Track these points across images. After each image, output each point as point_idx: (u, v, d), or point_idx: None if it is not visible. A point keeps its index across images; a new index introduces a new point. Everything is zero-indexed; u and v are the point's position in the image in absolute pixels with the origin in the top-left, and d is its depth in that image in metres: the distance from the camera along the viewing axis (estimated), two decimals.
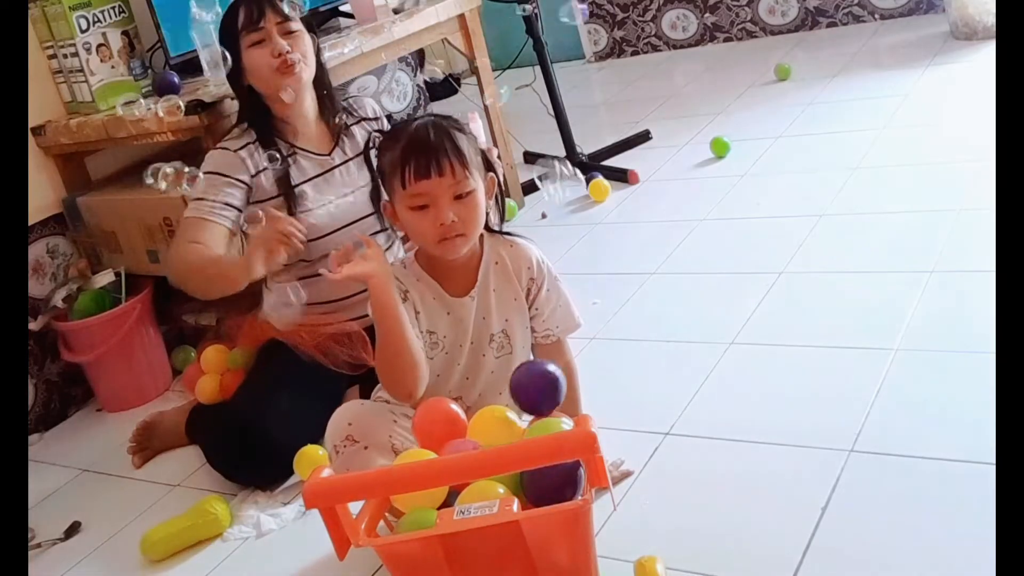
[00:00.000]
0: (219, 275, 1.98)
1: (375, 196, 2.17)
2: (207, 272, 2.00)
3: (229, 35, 2.14)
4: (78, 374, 2.70)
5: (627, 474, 1.78)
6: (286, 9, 2.14)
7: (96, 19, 2.57)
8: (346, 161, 2.21)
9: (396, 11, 3.02)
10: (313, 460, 1.96)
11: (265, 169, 2.13)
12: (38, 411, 2.66)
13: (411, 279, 1.71)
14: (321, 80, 2.24)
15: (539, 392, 1.50)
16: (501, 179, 1.74)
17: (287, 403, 2.07)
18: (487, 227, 1.73)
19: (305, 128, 2.20)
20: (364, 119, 2.29)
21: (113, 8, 2.61)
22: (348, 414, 1.66)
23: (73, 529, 2.13)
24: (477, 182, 1.63)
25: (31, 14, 2.53)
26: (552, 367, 1.52)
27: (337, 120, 2.24)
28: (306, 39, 2.17)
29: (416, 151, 1.60)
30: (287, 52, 2.10)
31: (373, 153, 2.12)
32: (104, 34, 2.59)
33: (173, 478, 2.23)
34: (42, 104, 2.61)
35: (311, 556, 1.81)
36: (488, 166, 1.70)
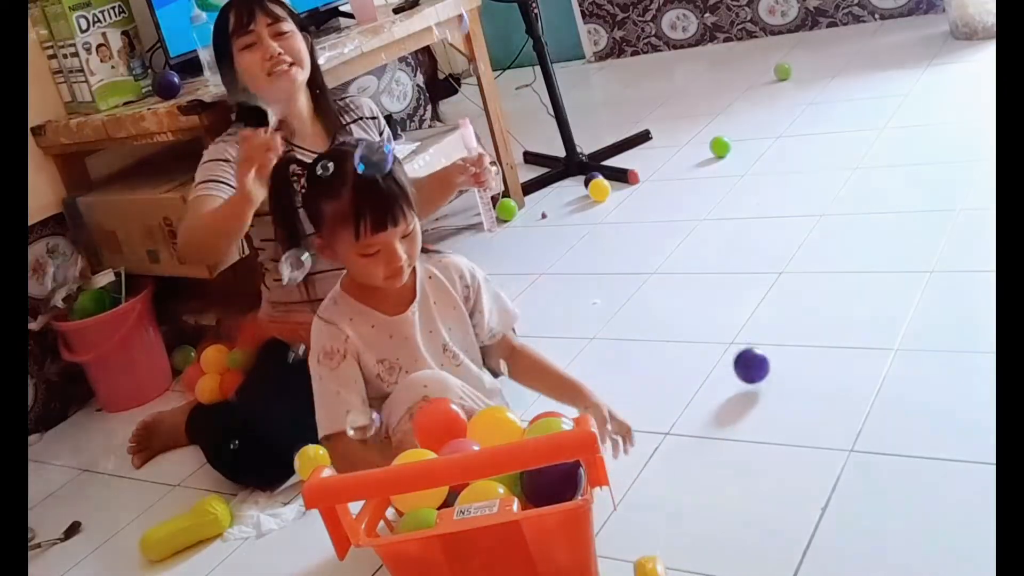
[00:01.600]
0: (224, 218, 1.92)
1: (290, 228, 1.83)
2: (214, 223, 1.95)
3: (221, 38, 2.13)
4: (78, 374, 2.70)
5: (627, 429, 1.71)
6: (276, 10, 2.12)
7: (96, 19, 2.57)
8: None
9: (396, 11, 3.02)
10: (314, 460, 1.96)
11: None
12: (38, 411, 2.66)
13: (345, 319, 1.72)
14: (315, 79, 2.22)
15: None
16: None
17: (287, 403, 2.04)
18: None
19: (301, 127, 2.19)
20: (362, 118, 2.28)
21: (113, 8, 2.61)
22: (423, 378, 1.67)
23: (73, 529, 2.13)
24: (413, 215, 1.66)
25: (31, 14, 2.53)
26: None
27: (335, 119, 2.23)
28: (298, 39, 2.15)
29: (370, 205, 1.59)
30: (278, 54, 2.08)
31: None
32: (104, 34, 2.59)
33: (173, 478, 2.23)
34: (42, 104, 2.61)
35: (311, 556, 1.81)
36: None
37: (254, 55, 2.09)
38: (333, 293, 1.78)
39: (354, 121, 2.26)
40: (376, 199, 1.60)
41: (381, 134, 2.29)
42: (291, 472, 2.03)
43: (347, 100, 2.32)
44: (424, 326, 1.76)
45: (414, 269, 1.75)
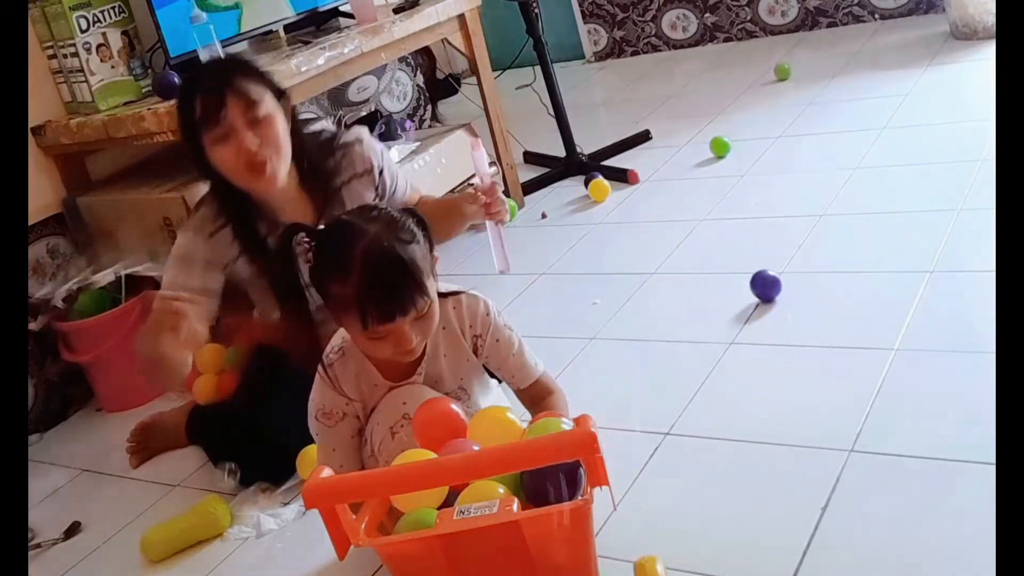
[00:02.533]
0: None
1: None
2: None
3: (188, 124, 1.88)
4: (78, 374, 2.70)
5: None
6: (250, 91, 1.86)
7: (96, 19, 2.57)
8: None
9: (396, 11, 3.02)
10: (315, 462, 1.96)
11: (240, 256, 1.97)
12: (38, 411, 2.66)
13: (350, 376, 1.65)
14: (299, 150, 1.97)
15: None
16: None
17: (285, 401, 2.02)
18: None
19: (286, 204, 1.98)
20: (355, 176, 2.05)
21: (113, 8, 2.61)
22: (401, 396, 1.63)
23: (73, 529, 2.13)
24: (432, 290, 1.54)
25: (31, 14, 2.53)
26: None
27: (324, 188, 2.01)
28: (277, 123, 1.90)
29: (377, 295, 1.47)
30: (255, 151, 1.85)
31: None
32: (104, 34, 2.59)
33: (173, 478, 2.23)
34: (42, 104, 2.61)
35: (311, 556, 1.81)
36: (431, 242, 1.60)
37: (228, 150, 1.86)
38: (343, 340, 1.67)
39: (346, 183, 2.03)
40: (383, 290, 1.47)
41: (378, 187, 2.07)
42: (294, 470, 2.04)
43: (338, 157, 2.05)
44: (430, 380, 1.68)
45: None
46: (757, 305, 2.26)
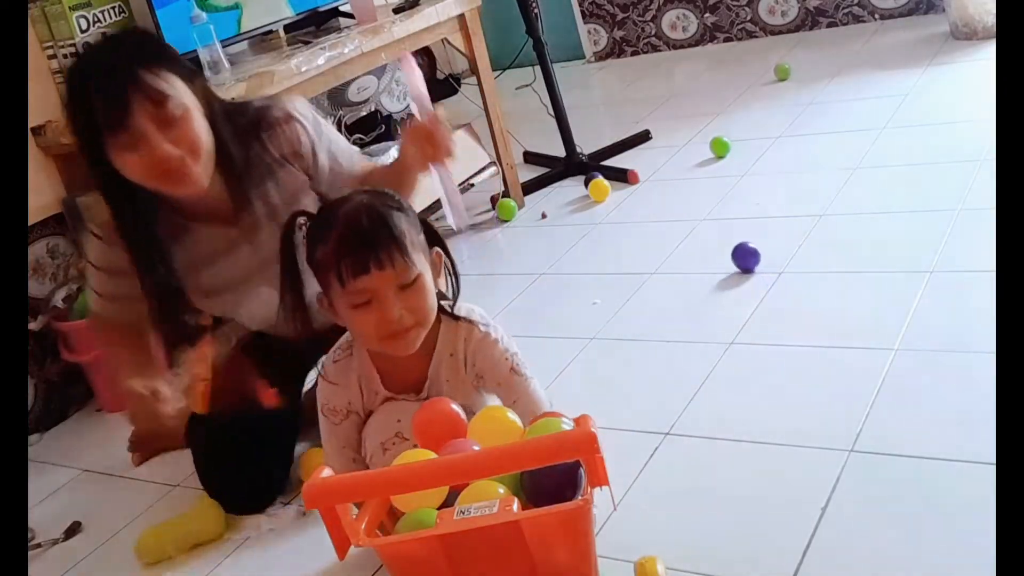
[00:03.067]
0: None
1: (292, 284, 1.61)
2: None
3: (83, 126, 1.60)
4: (78, 374, 2.70)
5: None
6: (158, 83, 1.58)
7: (96, 19, 2.57)
8: (255, 228, 1.83)
9: (396, 11, 3.02)
10: (317, 463, 1.97)
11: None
12: (38, 411, 2.66)
13: (352, 378, 1.64)
14: (221, 142, 1.71)
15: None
16: (448, 255, 1.62)
17: (257, 415, 1.90)
18: (442, 310, 1.60)
19: (200, 200, 1.75)
20: (282, 159, 1.82)
21: (113, 8, 2.61)
22: (396, 412, 1.60)
23: (73, 529, 2.13)
24: (422, 265, 1.50)
25: (31, 14, 2.53)
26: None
27: (244, 181, 1.78)
28: (193, 118, 1.64)
29: (350, 245, 1.45)
30: (172, 156, 1.61)
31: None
32: (104, 34, 2.59)
33: (173, 478, 2.23)
34: (42, 104, 2.60)
35: (311, 556, 1.81)
36: (432, 240, 1.58)
37: (137, 158, 1.61)
38: (349, 340, 1.65)
39: (271, 169, 1.81)
40: (358, 240, 1.45)
41: (311, 169, 1.85)
42: (278, 487, 2.01)
43: (264, 138, 1.80)
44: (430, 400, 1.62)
45: (433, 343, 1.61)
46: (758, 305, 2.26)
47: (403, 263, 1.46)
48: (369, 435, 1.64)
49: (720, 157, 3.29)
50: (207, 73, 2.52)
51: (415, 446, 1.52)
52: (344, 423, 1.67)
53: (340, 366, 1.65)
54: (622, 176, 3.32)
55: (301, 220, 1.57)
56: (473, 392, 1.66)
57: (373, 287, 1.46)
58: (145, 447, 2.34)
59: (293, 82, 2.54)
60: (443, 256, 1.60)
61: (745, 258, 2.43)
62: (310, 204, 1.83)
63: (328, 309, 1.54)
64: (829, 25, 4.57)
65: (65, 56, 2.56)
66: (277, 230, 1.64)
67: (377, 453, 1.61)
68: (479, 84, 3.24)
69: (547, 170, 3.58)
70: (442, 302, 1.60)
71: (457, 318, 1.62)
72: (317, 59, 2.62)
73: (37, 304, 2.64)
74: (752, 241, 2.44)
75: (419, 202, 3.00)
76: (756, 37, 4.76)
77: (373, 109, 3.80)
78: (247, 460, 1.98)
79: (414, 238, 1.51)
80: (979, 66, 3.43)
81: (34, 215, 2.63)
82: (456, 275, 1.63)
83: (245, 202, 1.78)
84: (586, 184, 3.27)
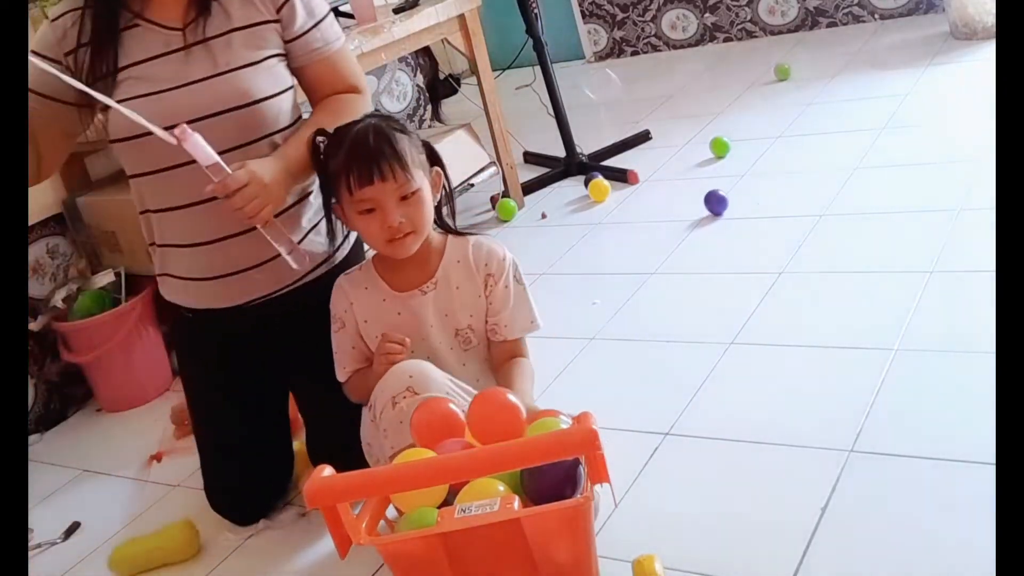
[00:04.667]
0: None
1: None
2: None
3: None
4: (78, 374, 2.70)
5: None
6: None
7: None
8: (202, 41, 1.71)
9: (396, 11, 3.02)
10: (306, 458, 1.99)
11: (84, 46, 1.69)
12: (38, 411, 2.66)
13: (360, 287, 1.78)
14: None
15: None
16: (446, 174, 1.78)
17: (234, 470, 1.93)
18: (451, 230, 1.80)
19: None
20: None
21: None
22: (408, 368, 1.64)
23: (73, 529, 2.13)
24: (421, 180, 1.68)
25: (31, 14, 2.53)
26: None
27: None
28: None
29: (358, 158, 1.64)
30: None
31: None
32: None
33: (173, 478, 2.23)
34: None
35: (311, 556, 1.81)
36: (432, 160, 1.75)
37: None
38: (363, 263, 1.83)
39: None
40: (364, 153, 1.63)
41: (280, 10, 1.78)
42: (265, 502, 1.97)
43: None
44: (439, 308, 1.75)
45: (443, 250, 1.77)
46: (758, 305, 2.26)
47: (403, 176, 1.64)
48: (379, 393, 1.65)
49: (720, 157, 3.29)
50: None
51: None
52: (342, 331, 1.78)
53: (351, 277, 1.80)
54: (622, 176, 3.32)
55: (320, 139, 1.72)
56: (483, 308, 1.77)
57: (376, 196, 1.64)
58: (186, 425, 2.31)
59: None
60: (442, 175, 1.76)
61: (715, 203, 2.78)
62: (279, 73, 1.77)
63: (341, 215, 1.73)
64: (829, 25, 4.57)
65: None
66: (216, 60, 1.70)
67: (387, 408, 1.62)
68: (479, 84, 3.24)
69: (547, 170, 3.58)
70: (447, 220, 1.80)
71: (462, 233, 1.80)
72: None
73: (37, 304, 2.65)
74: (752, 241, 2.44)
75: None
76: (756, 37, 4.76)
77: (373, 109, 3.80)
78: (248, 470, 1.95)
79: (415, 156, 1.68)
80: (979, 66, 3.43)
81: (34, 215, 2.64)
82: (452, 195, 1.81)
83: (207, 4, 1.72)
84: (586, 184, 3.27)
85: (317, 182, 1.78)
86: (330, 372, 1.81)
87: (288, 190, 1.71)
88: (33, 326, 2.60)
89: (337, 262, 1.90)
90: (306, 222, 1.83)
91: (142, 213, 1.85)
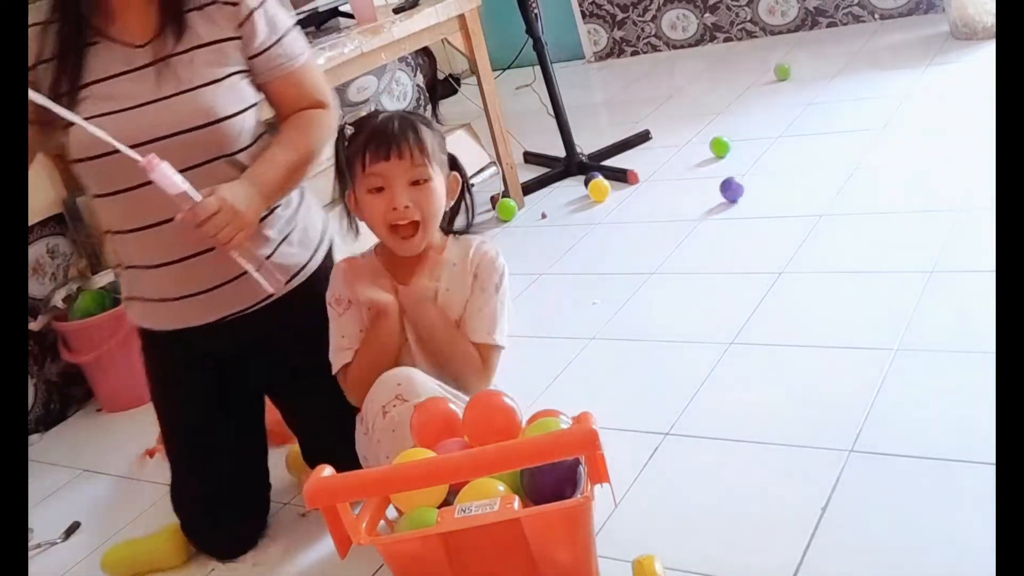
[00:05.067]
0: None
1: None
2: None
3: None
4: (78, 374, 2.70)
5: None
6: None
7: None
8: (164, 58, 1.65)
9: (396, 11, 3.02)
10: (301, 460, 1.97)
11: (46, 62, 1.65)
12: (38, 411, 2.66)
13: (363, 275, 1.74)
14: None
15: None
16: (466, 182, 1.79)
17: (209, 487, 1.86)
18: (454, 232, 1.78)
19: (125, 8, 1.67)
20: (219, 2, 1.70)
21: None
22: (396, 376, 1.64)
23: (73, 529, 2.13)
24: (436, 174, 1.68)
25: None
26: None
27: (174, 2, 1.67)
28: None
29: (377, 136, 1.66)
30: None
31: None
32: None
33: None
34: None
35: (311, 556, 1.81)
36: (453, 166, 1.75)
37: None
38: (365, 252, 1.82)
39: (200, 8, 1.70)
40: (383, 132, 1.65)
41: (243, 26, 1.70)
42: (259, 529, 1.91)
43: None
44: (438, 304, 1.73)
45: (435, 248, 1.74)
46: (758, 305, 2.26)
47: (420, 159, 1.65)
48: (369, 404, 1.65)
49: (720, 157, 3.29)
50: None
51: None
52: (347, 313, 1.75)
53: (353, 264, 1.78)
54: (622, 176, 3.32)
55: (348, 127, 1.74)
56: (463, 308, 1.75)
57: (388, 173, 1.64)
58: None
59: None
60: (459, 182, 1.76)
61: (730, 191, 2.85)
62: (242, 90, 1.71)
63: (352, 203, 1.71)
64: (829, 25, 4.57)
65: None
66: (179, 78, 1.64)
67: (378, 418, 1.62)
68: (479, 84, 3.24)
69: (547, 170, 3.58)
70: (455, 227, 1.80)
71: (463, 233, 1.80)
72: (317, 59, 2.62)
73: (37, 304, 2.65)
74: (752, 241, 2.44)
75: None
76: (756, 37, 4.76)
77: (373, 109, 3.80)
78: (225, 512, 1.88)
79: (436, 151, 1.69)
80: (979, 66, 3.43)
81: (34, 215, 2.64)
82: (472, 203, 1.80)
83: (165, 28, 1.66)
84: (586, 184, 3.27)
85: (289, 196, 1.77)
86: (315, 380, 1.78)
87: (259, 214, 1.66)
88: (33, 326, 2.60)
89: (311, 272, 1.83)
90: (276, 234, 1.77)
91: (107, 233, 1.81)
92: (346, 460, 1.71)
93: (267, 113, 1.82)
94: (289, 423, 1.98)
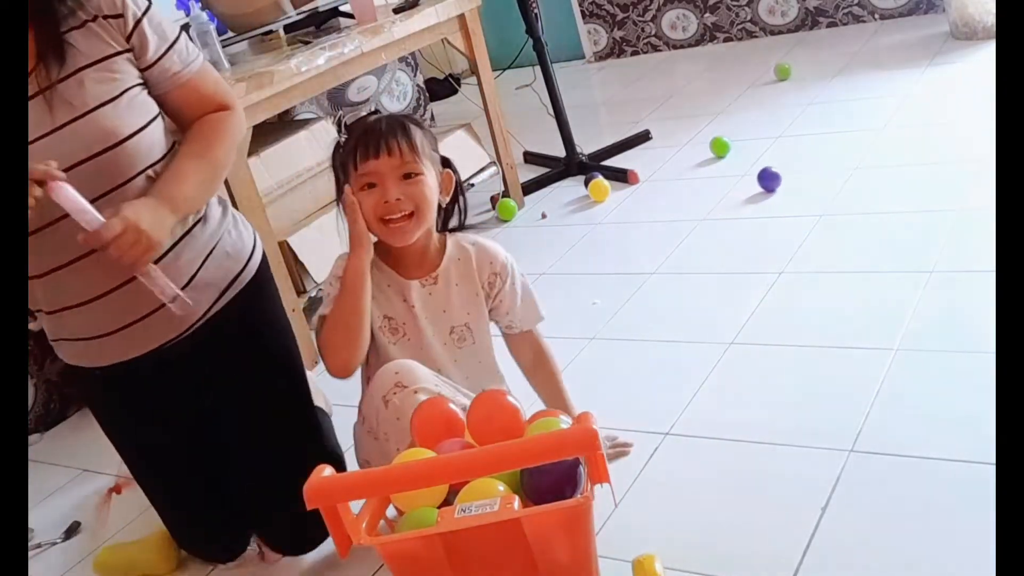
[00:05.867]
0: None
1: None
2: None
3: None
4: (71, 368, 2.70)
5: (625, 447, 1.85)
6: None
7: None
8: (50, 86, 1.52)
9: (396, 11, 3.02)
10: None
11: None
12: (38, 411, 2.66)
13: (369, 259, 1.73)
14: None
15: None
16: (460, 181, 1.79)
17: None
18: (450, 229, 1.80)
19: None
20: (97, 18, 1.56)
21: None
22: (393, 367, 1.64)
23: (73, 529, 2.13)
24: (428, 170, 1.68)
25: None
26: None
27: (50, 24, 1.55)
28: None
29: (367, 135, 1.67)
30: None
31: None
32: None
33: None
34: None
35: (311, 556, 1.81)
36: (446, 165, 1.77)
37: None
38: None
39: (82, 24, 1.55)
40: (373, 132, 1.67)
41: (130, 39, 1.58)
42: (244, 537, 1.86)
43: None
44: (437, 304, 1.75)
45: (443, 248, 1.76)
46: (758, 305, 2.26)
47: (410, 155, 1.66)
48: (370, 398, 1.65)
49: (720, 157, 3.29)
50: None
51: (415, 392, 1.58)
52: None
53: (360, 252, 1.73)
54: (622, 176, 3.32)
55: (340, 137, 1.75)
56: (480, 306, 1.78)
57: (379, 170, 1.65)
58: None
59: (293, 82, 2.54)
60: (453, 178, 1.77)
61: (767, 180, 2.87)
62: (143, 103, 1.59)
63: (348, 205, 1.69)
64: (829, 25, 4.57)
65: None
66: (72, 103, 1.51)
67: (380, 409, 1.61)
68: (479, 84, 3.24)
69: (547, 170, 3.58)
70: (451, 224, 1.81)
71: (464, 230, 1.81)
72: (317, 59, 2.63)
73: None
74: (752, 241, 2.44)
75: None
76: (756, 37, 4.76)
77: (373, 109, 3.80)
78: (208, 526, 1.85)
79: (426, 147, 1.70)
80: (979, 66, 3.43)
81: None
82: (465, 203, 1.82)
83: (45, 54, 1.53)
84: (586, 184, 3.28)
85: (203, 211, 1.67)
86: (262, 399, 1.75)
87: (169, 231, 1.54)
88: (33, 326, 2.59)
89: (244, 283, 1.73)
90: (196, 254, 1.65)
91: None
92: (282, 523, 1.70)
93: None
94: (245, 493, 1.81)
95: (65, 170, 1.47)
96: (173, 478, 1.80)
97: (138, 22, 1.58)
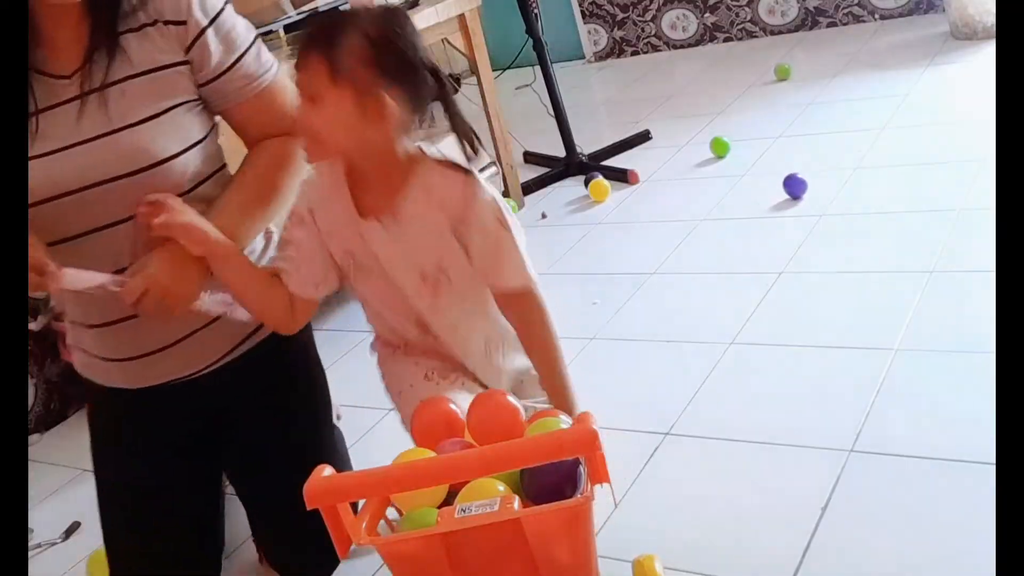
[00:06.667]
0: None
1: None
2: None
3: None
4: (78, 374, 2.70)
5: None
6: None
7: None
8: (96, 90, 1.41)
9: None
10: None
11: None
12: (38, 411, 2.66)
13: (323, 193, 1.47)
14: None
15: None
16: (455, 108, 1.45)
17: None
18: (425, 152, 1.46)
19: (54, 31, 1.41)
20: (157, 23, 1.43)
21: None
22: (416, 363, 1.57)
23: (73, 529, 2.13)
24: (340, 95, 1.34)
25: None
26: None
27: (107, 22, 1.41)
28: None
29: (302, 40, 1.38)
30: None
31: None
32: None
33: None
34: None
35: None
36: (407, 72, 1.39)
37: None
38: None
39: (140, 28, 1.43)
40: (303, 37, 1.39)
41: (190, 51, 1.45)
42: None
43: None
44: (398, 246, 1.45)
45: (402, 171, 1.43)
46: (758, 305, 2.26)
47: (316, 74, 1.33)
48: (394, 378, 1.60)
49: (720, 157, 3.29)
50: None
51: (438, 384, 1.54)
52: (301, 226, 1.48)
53: (313, 182, 1.50)
54: (622, 176, 3.32)
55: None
56: (452, 250, 1.47)
57: (299, 85, 1.37)
58: None
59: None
60: (393, 105, 1.37)
61: (794, 186, 2.79)
62: (186, 125, 1.46)
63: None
64: (829, 25, 4.57)
65: None
66: (110, 115, 1.40)
67: (418, 383, 1.56)
68: (479, 84, 3.24)
69: (547, 170, 3.58)
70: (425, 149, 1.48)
71: (448, 164, 1.45)
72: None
73: (37, 304, 2.64)
74: (752, 241, 2.44)
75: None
76: (756, 37, 4.76)
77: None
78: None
79: (358, 67, 1.34)
80: (979, 66, 3.43)
81: None
82: (472, 138, 1.45)
83: (94, 53, 1.41)
84: (586, 184, 3.28)
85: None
86: (275, 458, 1.63)
87: (203, 276, 1.43)
88: (33, 326, 2.60)
89: (262, 337, 1.60)
90: (226, 296, 1.50)
91: None
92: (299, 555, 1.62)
93: (232, 140, 1.59)
94: (242, 498, 1.73)
95: (89, 187, 1.39)
96: (152, 513, 1.62)
97: (202, 32, 1.44)
